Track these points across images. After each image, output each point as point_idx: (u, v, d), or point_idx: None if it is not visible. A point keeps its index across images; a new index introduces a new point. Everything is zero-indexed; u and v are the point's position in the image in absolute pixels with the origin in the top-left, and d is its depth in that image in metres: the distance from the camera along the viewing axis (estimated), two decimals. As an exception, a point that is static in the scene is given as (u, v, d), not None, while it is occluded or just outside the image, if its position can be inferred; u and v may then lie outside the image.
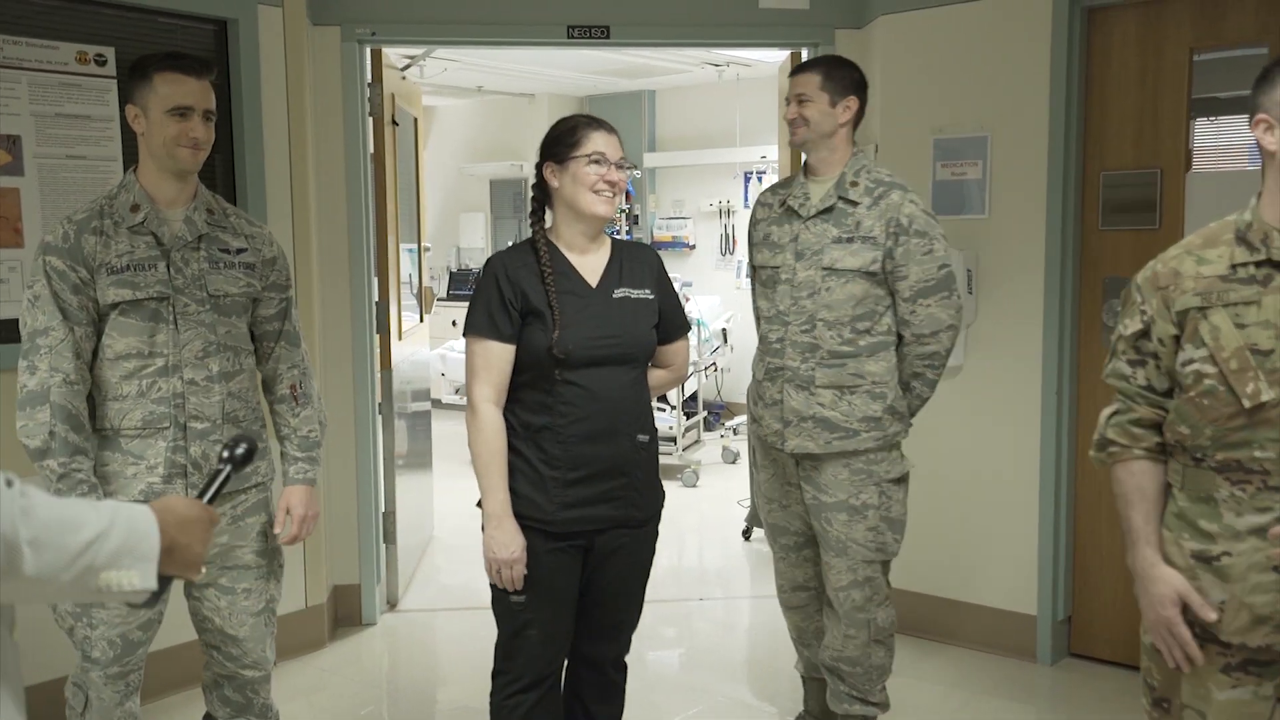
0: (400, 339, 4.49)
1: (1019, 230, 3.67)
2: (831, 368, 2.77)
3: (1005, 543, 3.79)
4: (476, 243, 10.20)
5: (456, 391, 7.58)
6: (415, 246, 5.16)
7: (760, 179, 8.40)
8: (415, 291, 5.25)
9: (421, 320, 5.23)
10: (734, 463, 6.89)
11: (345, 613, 4.16)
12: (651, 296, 2.44)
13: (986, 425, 3.81)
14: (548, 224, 2.43)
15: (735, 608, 4.63)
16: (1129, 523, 1.93)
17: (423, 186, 5.26)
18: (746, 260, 3.02)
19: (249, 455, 1.60)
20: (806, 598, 3.02)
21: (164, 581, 1.32)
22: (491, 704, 2.50)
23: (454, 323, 8.76)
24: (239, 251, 2.47)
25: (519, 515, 2.33)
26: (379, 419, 4.26)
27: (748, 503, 5.35)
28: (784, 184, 2.96)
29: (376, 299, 4.21)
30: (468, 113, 9.97)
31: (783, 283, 2.83)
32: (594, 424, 2.32)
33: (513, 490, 2.33)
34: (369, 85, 4.09)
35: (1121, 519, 1.96)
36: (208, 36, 3.52)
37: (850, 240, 2.76)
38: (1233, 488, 1.83)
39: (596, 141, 2.35)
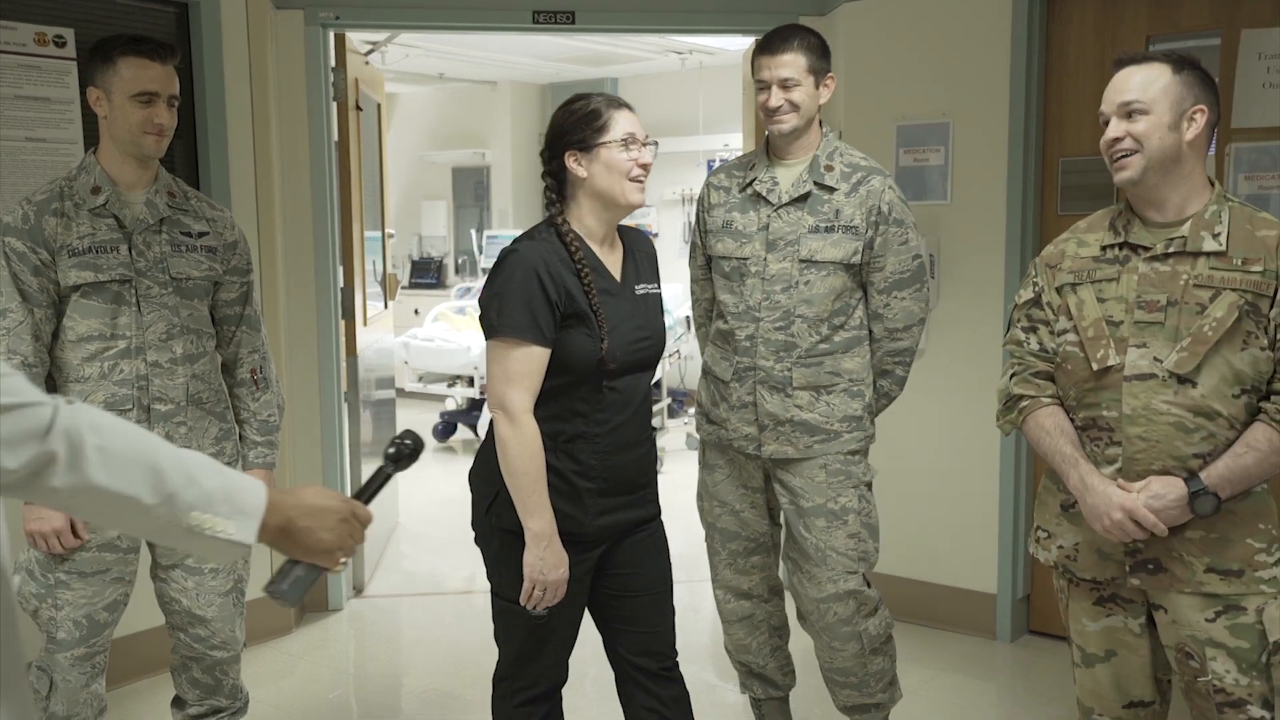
0: (365, 325, 4.48)
1: (980, 215, 3.73)
2: (809, 366, 2.61)
3: (966, 523, 3.85)
4: (438, 230, 10.16)
5: (420, 379, 7.56)
6: (379, 233, 5.14)
7: (723, 167, 8.43)
8: (379, 279, 5.23)
9: (386, 307, 5.22)
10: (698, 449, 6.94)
11: (311, 599, 4.16)
12: (659, 290, 2.31)
13: (948, 408, 3.87)
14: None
15: (699, 591, 4.67)
16: (1060, 454, 2.10)
17: (386, 172, 5.24)
18: (699, 248, 2.80)
19: (415, 454, 1.53)
20: (750, 607, 2.83)
21: (295, 572, 1.34)
22: (498, 710, 2.36)
23: (415, 311, 8.72)
24: (201, 235, 2.47)
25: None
26: (344, 406, 4.25)
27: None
28: (739, 165, 2.74)
29: (342, 285, 4.19)
30: (429, 100, 9.92)
31: (751, 275, 2.62)
32: (626, 431, 2.21)
33: None
34: (332, 70, 4.07)
35: (1050, 454, 2.12)
36: (169, 20, 3.49)
37: (830, 230, 2.58)
38: (1090, 444, 2.08)
39: (624, 122, 2.17)
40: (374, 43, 6.40)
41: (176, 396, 2.41)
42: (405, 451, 1.51)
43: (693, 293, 2.90)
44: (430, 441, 7.33)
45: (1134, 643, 2.12)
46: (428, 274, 9.70)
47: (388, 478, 1.50)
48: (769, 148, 2.70)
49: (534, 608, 2.16)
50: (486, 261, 9.31)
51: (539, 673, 2.30)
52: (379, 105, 4.99)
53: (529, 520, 2.12)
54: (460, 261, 10.08)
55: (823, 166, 2.62)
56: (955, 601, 3.89)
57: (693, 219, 2.97)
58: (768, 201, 2.63)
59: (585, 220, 2.20)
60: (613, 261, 2.24)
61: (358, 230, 4.36)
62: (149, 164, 2.41)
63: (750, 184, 2.67)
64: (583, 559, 2.21)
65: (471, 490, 2.30)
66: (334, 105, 4.09)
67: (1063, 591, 2.23)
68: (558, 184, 2.21)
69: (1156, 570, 2.03)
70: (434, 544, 5.09)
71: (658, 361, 2.30)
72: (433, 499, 5.72)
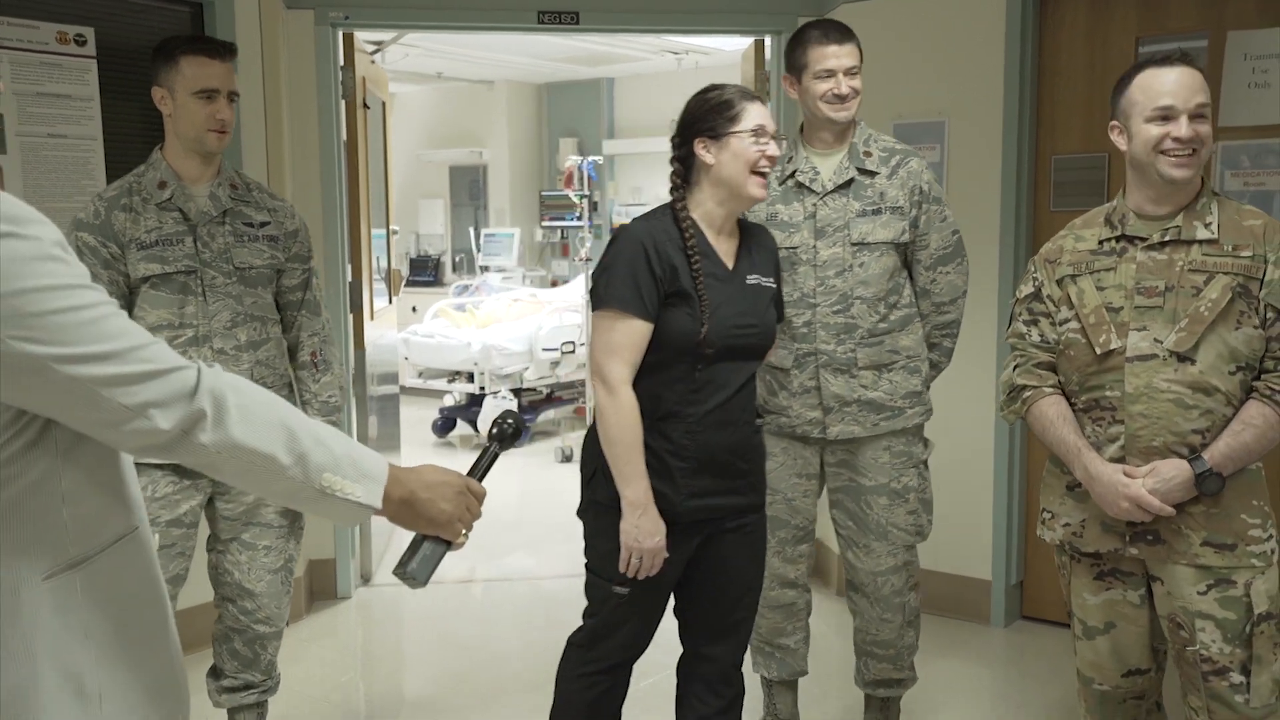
0: (372, 319, 4.56)
1: (975, 210, 3.82)
2: (871, 346, 2.70)
3: (961, 511, 3.95)
4: (436, 229, 10.24)
5: (420, 375, 7.64)
6: (383, 230, 5.22)
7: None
8: (384, 274, 5.31)
9: (390, 302, 5.30)
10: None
11: (321, 587, 4.24)
12: (774, 285, 2.34)
13: (944, 398, 3.95)
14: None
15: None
16: (1064, 443, 2.21)
17: (390, 170, 5.32)
18: None
19: (518, 433, 1.60)
20: (794, 595, 2.89)
21: (423, 550, 1.39)
22: (565, 671, 2.40)
23: (414, 309, 8.79)
24: (262, 225, 2.58)
25: None
26: (353, 398, 4.33)
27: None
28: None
29: (350, 280, 4.28)
30: (426, 99, 9.99)
31: (803, 264, 2.69)
32: (722, 414, 2.22)
33: None
34: (341, 69, 4.16)
35: (1055, 444, 2.23)
36: (184, 19, 3.57)
37: (878, 212, 2.68)
38: (1093, 425, 2.20)
39: (756, 114, 2.21)
40: (379, 42, 6.48)
41: None
42: (509, 430, 1.58)
43: None
44: (429, 437, 7.41)
45: (1133, 614, 2.23)
46: (425, 272, 9.77)
47: (495, 456, 1.55)
48: (803, 140, 2.79)
49: (626, 580, 2.19)
50: (484, 259, 9.39)
51: (610, 649, 2.33)
52: (384, 104, 5.07)
53: (624, 488, 2.16)
54: (458, 259, 10.16)
55: (862, 152, 2.73)
56: (950, 588, 3.99)
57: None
58: (811, 190, 2.72)
59: (706, 206, 2.25)
60: (727, 250, 2.27)
61: (365, 226, 4.44)
62: (212, 159, 2.53)
63: (791, 175, 2.74)
64: (679, 545, 2.23)
65: (580, 471, 2.35)
66: (343, 104, 4.17)
67: (1064, 568, 2.33)
68: (684, 169, 2.26)
69: (1155, 542, 2.14)
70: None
71: (762, 351, 2.32)
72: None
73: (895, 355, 2.73)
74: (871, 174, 2.71)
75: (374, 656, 3.93)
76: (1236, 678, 2.12)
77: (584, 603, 2.41)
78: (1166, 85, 2.10)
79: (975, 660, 3.72)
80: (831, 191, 2.71)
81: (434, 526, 1.40)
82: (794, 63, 2.74)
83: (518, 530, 5.32)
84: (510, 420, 1.59)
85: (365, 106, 4.41)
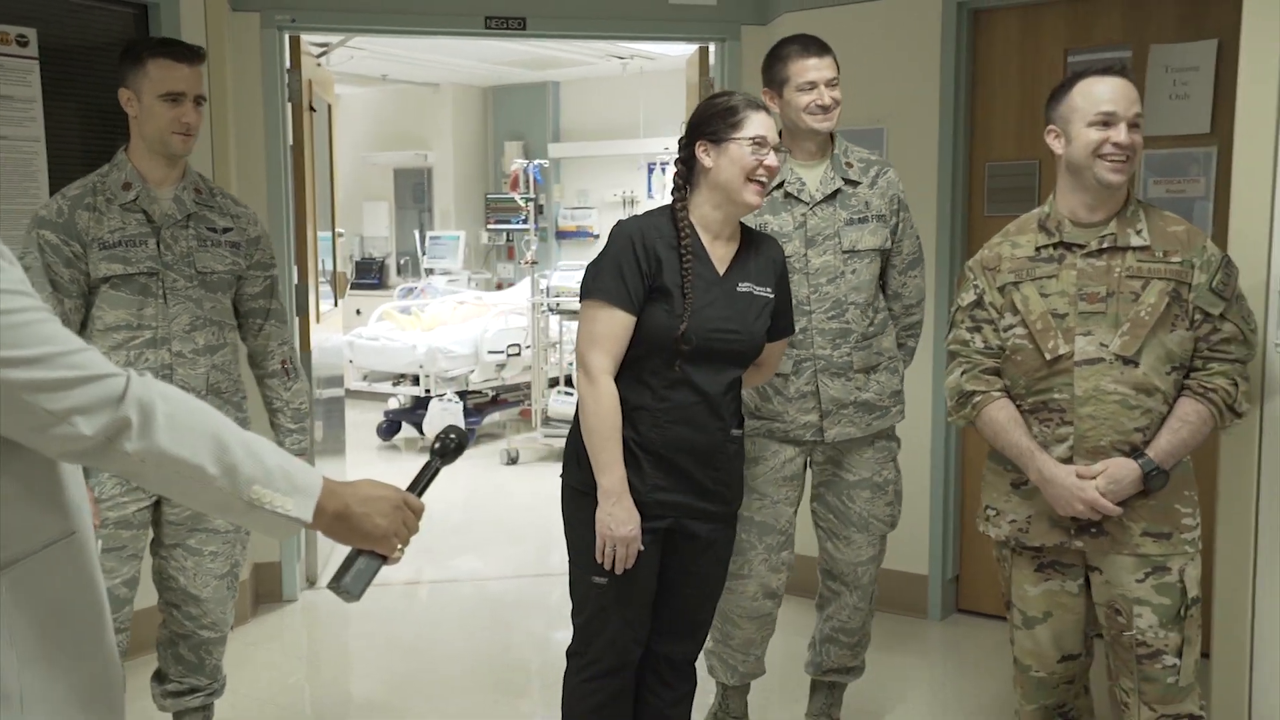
0: (319, 322, 4.56)
1: (912, 215, 3.92)
2: (863, 350, 2.79)
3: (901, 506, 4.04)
4: (380, 231, 10.20)
5: (365, 378, 7.61)
6: (328, 233, 5.21)
7: (664, 170, 8.61)
8: (329, 277, 5.30)
9: (336, 305, 5.29)
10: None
11: (266, 590, 4.23)
12: (771, 295, 2.36)
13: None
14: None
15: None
16: (1016, 446, 2.29)
17: (336, 173, 5.31)
18: None
19: (460, 448, 1.58)
20: (771, 606, 2.92)
21: (358, 564, 1.38)
22: (567, 684, 2.42)
23: (358, 311, 8.75)
24: (225, 231, 2.58)
25: None
26: (298, 400, 4.32)
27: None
28: None
29: (296, 282, 4.27)
30: (371, 101, 9.96)
31: (796, 272, 2.73)
32: (693, 413, 2.26)
33: None
34: (288, 71, 4.16)
35: (1007, 447, 2.31)
36: (128, 20, 3.55)
37: (864, 220, 2.78)
38: (1040, 425, 2.29)
39: (758, 124, 2.25)
40: (325, 44, 6.47)
41: (198, 385, 2.51)
42: (451, 446, 1.57)
43: None
44: (374, 440, 7.39)
45: (1070, 603, 2.35)
46: (370, 274, 9.73)
47: (436, 471, 1.55)
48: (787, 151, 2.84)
49: (603, 570, 2.23)
50: (429, 262, 9.37)
51: (603, 648, 2.34)
52: (329, 106, 5.07)
53: (600, 476, 2.21)
54: (402, 262, 10.13)
55: (844, 163, 2.82)
56: (888, 583, 4.06)
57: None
58: (800, 200, 2.79)
59: (703, 209, 2.31)
60: (721, 255, 2.32)
61: (311, 229, 4.44)
62: (177, 162, 2.53)
63: (779, 185, 2.79)
64: (645, 530, 2.25)
65: (564, 475, 2.38)
66: (289, 106, 4.17)
67: (1005, 561, 2.43)
68: (687, 170, 2.32)
69: (1099, 534, 2.26)
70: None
71: (744, 359, 2.35)
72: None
73: (879, 357, 2.85)
74: (855, 183, 2.81)
75: (320, 659, 3.94)
76: (1170, 660, 2.24)
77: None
78: (1108, 93, 2.21)
79: (914, 653, 3.82)
80: (820, 202, 2.79)
81: (369, 541, 1.40)
82: (774, 77, 2.80)
83: (464, 532, 5.34)
84: (454, 435, 1.58)
85: (311, 109, 4.41)
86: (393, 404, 7.46)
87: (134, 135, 2.51)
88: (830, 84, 2.75)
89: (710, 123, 2.28)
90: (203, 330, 2.53)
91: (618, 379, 2.24)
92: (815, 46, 2.80)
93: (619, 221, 2.31)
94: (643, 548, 2.25)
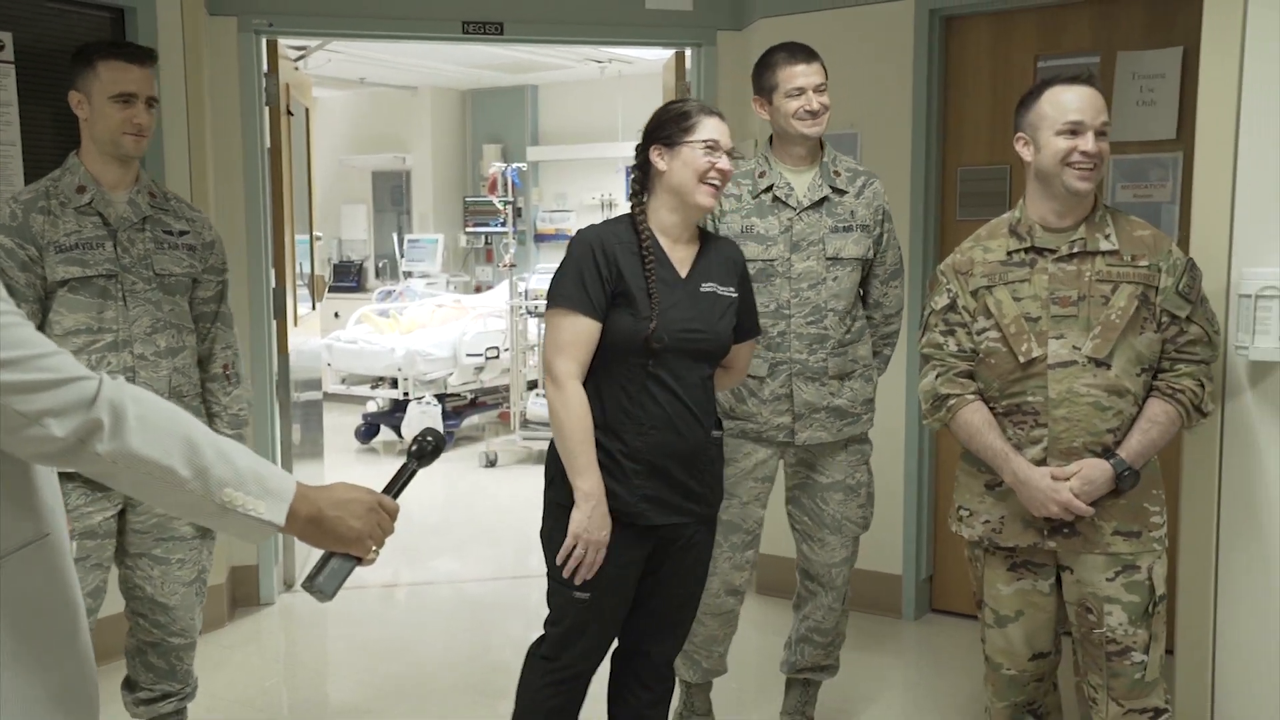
0: (296, 325, 4.56)
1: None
2: (839, 356, 2.83)
3: (874, 510, 4.08)
4: (358, 235, 10.18)
5: (343, 381, 7.61)
6: (306, 236, 5.22)
7: (642, 173, 8.62)
8: (307, 280, 5.30)
9: (314, 308, 5.29)
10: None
11: (244, 593, 4.23)
12: (735, 295, 2.39)
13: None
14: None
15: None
16: (991, 449, 2.32)
17: (314, 176, 5.32)
18: None
19: (437, 451, 1.60)
20: (734, 603, 2.96)
21: (331, 564, 1.38)
22: (528, 680, 2.43)
23: (336, 314, 8.74)
24: (181, 234, 2.58)
25: None
26: (276, 405, 4.33)
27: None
28: (744, 174, 2.88)
29: (274, 286, 4.28)
30: (349, 104, 9.94)
31: (779, 276, 2.79)
32: (675, 417, 2.27)
33: None
34: (265, 75, 4.16)
35: (982, 450, 2.34)
36: (105, 24, 3.55)
37: (849, 229, 2.82)
38: (1014, 428, 2.33)
39: (711, 128, 2.29)
40: (302, 48, 6.47)
41: (160, 388, 2.50)
42: (428, 448, 1.59)
43: None
44: (352, 444, 7.38)
45: (1042, 602, 2.39)
46: (348, 277, 9.71)
47: (413, 473, 1.56)
48: (774, 156, 2.89)
49: (570, 573, 2.22)
50: (407, 265, 9.37)
51: (576, 657, 2.37)
52: (307, 110, 5.07)
53: (577, 480, 2.22)
54: (381, 265, 10.11)
55: (833, 172, 2.86)
56: (863, 583, 4.11)
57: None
58: (788, 205, 2.82)
59: (660, 213, 2.34)
60: (681, 258, 2.35)
61: (289, 233, 4.45)
62: (130, 164, 2.52)
63: (767, 189, 2.84)
64: (628, 543, 2.27)
65: (546, 481, 2.37)
66: (266, 110, 4.18)
67: (977, 561, 2.47)
68: (643, 175, 2.36)
69: (1072, 534, 2.30)
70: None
71: (713, 358, 2.37)
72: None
73: (855, 364, 2.88)
74: (842, 192, 2.85)
75: (297, 662, 3.94)
76: (1138, 656, 2.29)
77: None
78: (1075, 102, 2.25)
79: (888, 652, 3.86)
80: (807, 208, 2.82)
81: (343, 544, 1.40)
82: (764, 84, 2.84)
83: (442, 534, 5.35)
84: (430, 438, 1.60)
85: (289, 113, 4.42)
86: (371, 407, 7.45)
87: (85, 138, 2.49)
88: (818, 90, 2.79)
89: (664, 127, 2.31)
90: (164, 333, 2.52)
91: (594, 391, 2.26)
92: (803, 53, 2.84)
93: (579, 230, 2.35)
94: (624, 556, 2.27)
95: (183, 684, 2.69)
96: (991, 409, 2.36)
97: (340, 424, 7.46)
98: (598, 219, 9.56)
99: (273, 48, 4.20)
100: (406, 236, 9.63)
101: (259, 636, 4.04)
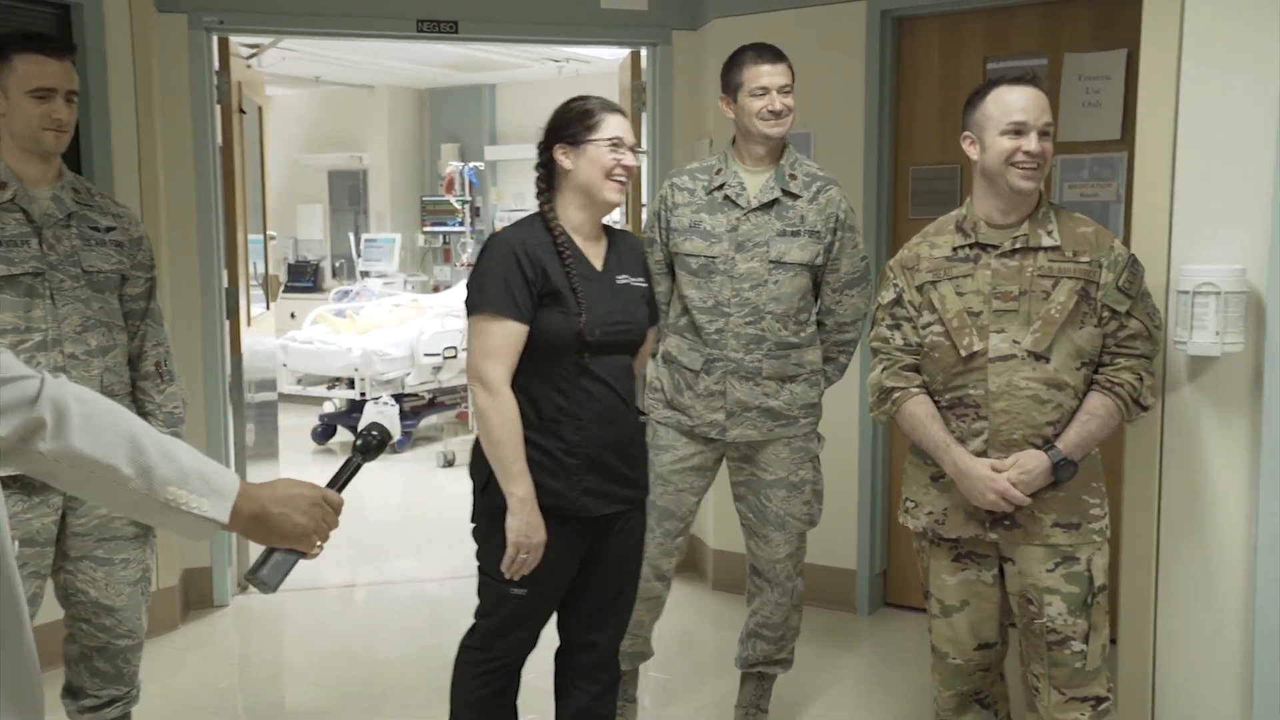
0: (249, 325, 4.53)
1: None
2: (777, 359, 2.84)
3: (828, 505, 4.08)
4: (315, 234, 10.11)
5: (299, 382, 7.55)
6: (259, 236, 5.18)
7: (600, 173, 8.64)
8: (261, 280, 5.26)
9: (268, 308, 5.26)
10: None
11: (197, 595, 4.19)
12: (645, 284, 2.45)
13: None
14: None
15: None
16: (933, 440, 2.37)
17: (268, 175, 5.28)
18: (658, 244, 2.93)
19: (382, 445, 1.61)
20: (660, 588, 3.01)
21: (275, 558, 1.38)
22: (460, 674, 2.46)
23: (292, 315, 8.67)
24: (109, 230, 2.53)
25: (541, 506, 2.25)
26: (230, 405, 4.29)
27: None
28: (702, 169, 2.92)
29: (226, 285, 4.24)
30: (304, 103, 9.87)
31: (720, 273, 2.82)
32: (609, 410, 2.31)
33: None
34: (216, 73, 4.13)
35: (925, 441, 2.39)
36: (50, 20, 3.51)
37: (796, 234, 2.82)
38: (957, 420, 2.37)
39: (614, 125, 2.31)
40: (255, 46, 6.41)
41: (92, 388, 2.44)
42: (373, 442, 1.61)
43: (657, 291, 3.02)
44: (309, 444, 7.33)
45: (986, 592, 2.44)
46: (304, 277, 9.63)
47: (358, 467, 1.57)
48: (735, 154, 2.90)
49: (513, 576, 2.25)
50: (364, 264, 9.32)
51: (507, 647, 2.40)
52: (260, 108, 5.04)
53: (512, 486, 2.22)
54: (338, 265, 10.05)
55: (788, 174, 2.86)
56: (818, 578, 4.15)
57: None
58: (737, 205, 2.84)
59: (568, 211, 2.35)
60: (594, 252, 2.37)
61: (241, 232, 4.41)
62: (51, 160, 2.47)
63: (719, 187, 2.86)
64: (566, 540, 2.30)
65: (471, 479, 2.38)
66: (218, 108, 4.15)
67: (923, 552, 2.51)
68: (548, 174, 2.37)
69: (1012, 526, 2.35)
70: (318, 542, 5.14)
71: (636, 347, 2.42)
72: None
73: (800, 369, 2.89)
74: (795, 196, 2.84)
75: (253, 664, 3.91)
76: (1078, 646, 2.33)
77: (469, 605, 2.47)
78: (1019, 102, 2.29)
79: (843, 646, 3.90)
80: (756, 209, 2.83)
81: (288, 540, 1.41)
82: (729, 82, 2.87)
83: (401, 534, 5.32)
84: (375, 432, 1.61)
85: (241, 111, 4.39)
86: (328, 407, 7.40)
87: (3, 134, 2.42)
88: (783, 90, 2.81)
89: (567, 126, 2.32)
90: (94, 331, 2.47)
91: (527, 391, 2.28)
92: (769, 53, 2.87)
93: (494, 234, 2.36)
94: (564, 550, 2.30)
95: (129, 687, 2.65)
96: (936, 402, 2.40)
97: (296, 425, 7.40)
98: (556, 218, 9.52)
99: (224, 45, 4.17)
100: (364, 236, 9.57)
101: (213, 639, 4.01)
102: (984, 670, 2.53)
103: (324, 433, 7.36)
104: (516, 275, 2.23)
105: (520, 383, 2.27)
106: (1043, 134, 2.28)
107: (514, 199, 9.60)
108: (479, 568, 2.40)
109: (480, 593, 2.42)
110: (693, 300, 2.87)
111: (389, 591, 4.56)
